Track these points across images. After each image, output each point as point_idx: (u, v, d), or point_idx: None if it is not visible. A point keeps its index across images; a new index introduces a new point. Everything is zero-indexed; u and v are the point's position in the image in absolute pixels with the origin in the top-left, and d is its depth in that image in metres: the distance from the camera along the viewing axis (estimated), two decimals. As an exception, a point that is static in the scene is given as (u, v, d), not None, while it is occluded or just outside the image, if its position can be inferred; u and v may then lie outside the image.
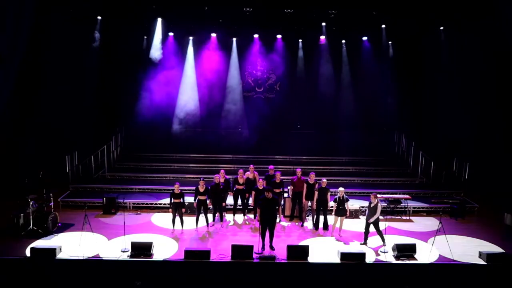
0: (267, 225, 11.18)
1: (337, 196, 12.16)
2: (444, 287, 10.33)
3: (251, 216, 13.70)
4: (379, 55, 20.37)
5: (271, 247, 11.27)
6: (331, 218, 12.56)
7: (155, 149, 19.25)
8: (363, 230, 11.78)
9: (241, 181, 13.30)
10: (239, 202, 13.59)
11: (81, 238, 11.21)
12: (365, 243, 11.73)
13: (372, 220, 11.50)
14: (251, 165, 13.73)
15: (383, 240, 11.59)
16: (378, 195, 14.04)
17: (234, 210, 13.62)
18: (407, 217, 14.01)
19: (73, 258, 10.43)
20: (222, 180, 12.94)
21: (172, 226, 12.26)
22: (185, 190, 12.64)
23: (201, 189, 12.21)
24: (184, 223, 12.34)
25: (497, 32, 15.76)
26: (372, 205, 11.57)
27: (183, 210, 12.32)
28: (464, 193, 15.43)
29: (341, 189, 12.25)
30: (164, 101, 19.14)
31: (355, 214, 13.81)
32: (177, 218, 12.19)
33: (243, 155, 18.70)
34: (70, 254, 10.60)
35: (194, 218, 12.60)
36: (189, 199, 12.78)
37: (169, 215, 12.36)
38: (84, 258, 10.44)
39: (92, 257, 10.55)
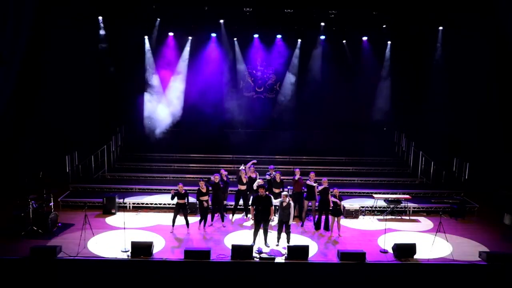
0: (261, 222, 11.19)
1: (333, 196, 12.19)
2: (444, 287, 10.34)
3: (250, 215, 13.67)
4: (379, 55, 20.37)
5: (266, 244, 11.31)
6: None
7: (155, 149, 19.23)
8: (362, 230, 11.76)
9: (244, 180, 13.19)
10: (240, 202, 13.53)
11: (81, 238, 11.21)
12: (278, 244, 11.49)
13: (291, 221, 11.28)
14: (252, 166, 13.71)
15: (288, 240, 11.33)
16: (379, 195, 14.26)
17: (234, 210, 13.60)
18: (407, 217, 14.00)
19: (73, 258, 10.44)
20: (224, 178, 12.97)
21: (172, 225, 12.24)
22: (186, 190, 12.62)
23: (203, 190, 12.21)
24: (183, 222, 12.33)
25: (497, 32, 15.78)
26: (284, 204, 11.23)
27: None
28: (464, 193, 15.42)
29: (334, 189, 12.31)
30: (164, 100, 19.10)
31: (355, 214, 13.83)
32: (178, 218, 12.18)
33: (243, 155, 18.64)
34: (70, 254, 10.60)
35: (194, 218, 12.58)
36: (191, 199, 12.77)
37: (167, 215, 12.33)
38: (84, 258, 10.44)
39: (92, 257, 10.55)
